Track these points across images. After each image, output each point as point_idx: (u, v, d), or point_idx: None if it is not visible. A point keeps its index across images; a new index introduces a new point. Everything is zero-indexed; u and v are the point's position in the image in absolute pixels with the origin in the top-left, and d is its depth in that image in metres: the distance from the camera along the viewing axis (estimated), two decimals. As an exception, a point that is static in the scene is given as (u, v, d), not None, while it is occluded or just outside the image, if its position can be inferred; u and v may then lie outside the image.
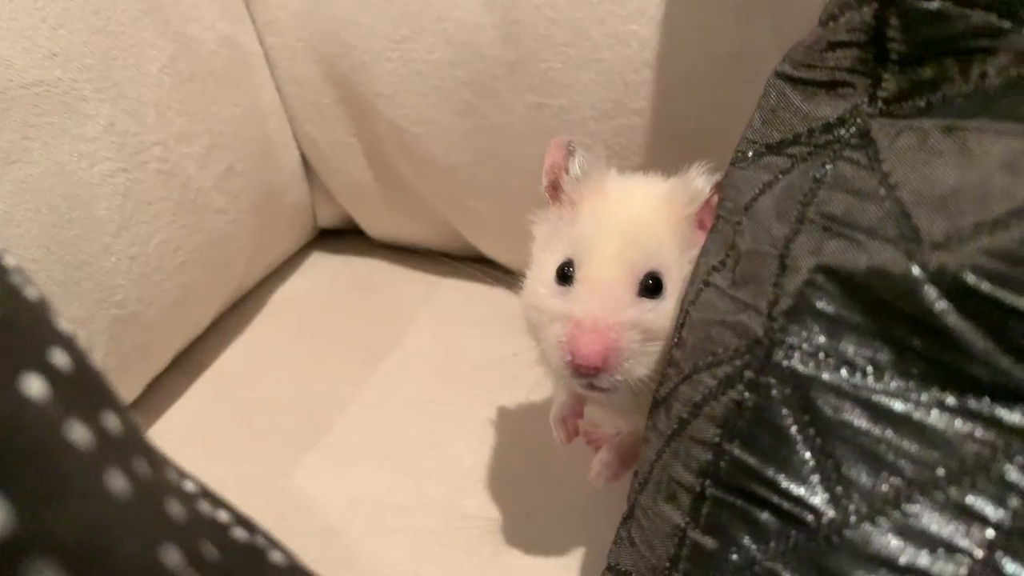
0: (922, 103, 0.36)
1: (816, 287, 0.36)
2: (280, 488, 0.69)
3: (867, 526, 0.33)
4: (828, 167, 0.38)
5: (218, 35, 0.79)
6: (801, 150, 0.41)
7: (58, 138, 0.61)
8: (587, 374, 0.47)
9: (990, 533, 0.31)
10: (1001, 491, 0.31)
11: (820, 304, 0.36)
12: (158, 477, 0.24)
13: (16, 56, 0.59)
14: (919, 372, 0.33)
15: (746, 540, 0.37)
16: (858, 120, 0.39)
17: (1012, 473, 0.31)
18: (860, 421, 0.34)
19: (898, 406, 0.33)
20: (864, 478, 0.34)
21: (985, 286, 0.30)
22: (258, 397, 0.80)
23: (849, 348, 0.35)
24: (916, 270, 0.32)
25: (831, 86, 0.41)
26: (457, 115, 0.83)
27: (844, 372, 0.35)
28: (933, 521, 0.32)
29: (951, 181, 0.33)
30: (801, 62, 0.42)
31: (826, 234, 0.36)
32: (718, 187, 0.49)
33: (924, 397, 0.33)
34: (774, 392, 0.36)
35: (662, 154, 0.78)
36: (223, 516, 0.28)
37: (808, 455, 0.35)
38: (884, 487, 0.33)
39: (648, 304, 0.49)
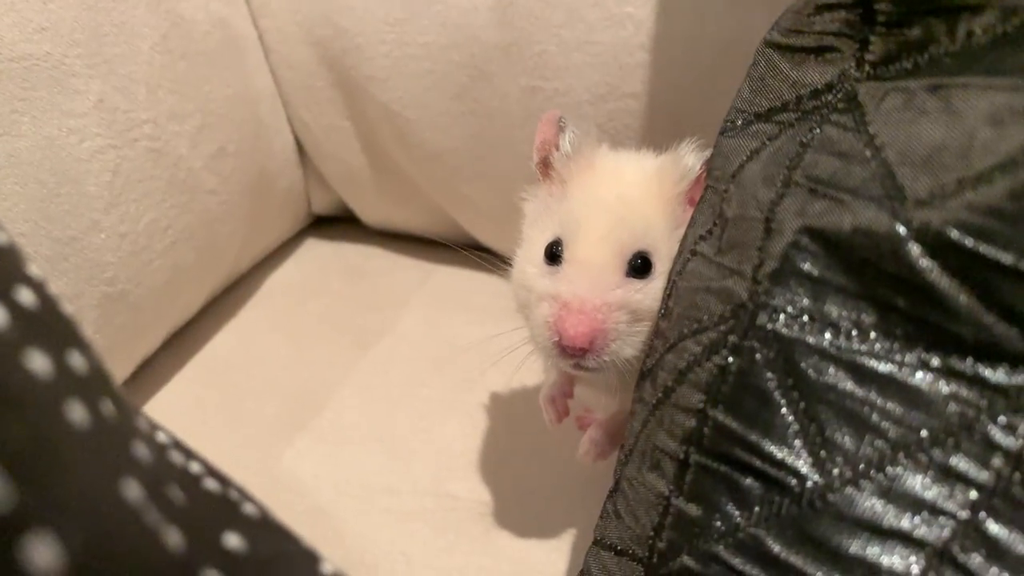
0: (909, 64, 0.36)
1: (801, 248, 0.35)
2: (269, 470, 0.68)
3: (850, 490, 0.33)
4: (815, 131, 0.38)
5: (211, 15, 0.79)
6: (789, 116, 0.41)
7: (47, 112, 0.61)
8: (574, 355, 0.47)
9: (973, 494, 0.31)
10: (984, 451, 0.31)
11: (804, 266, 0.35)
12: (124, 420, 0.24)
13: (5, 29, 0.58)
14: (903, 333, 0.33)
15: (729, 507, 0.36)
16: (845, 85, 0.38)
17: (995, 433, 0.31)
18: (844, 383, 0.34)
19: (882, 367, 0.33)
20: (848, 441, 0.33)
21: (968, 242, 0.30)
22: (249, 380, 0.79)
23: (833, 310, 0.34)
24: (900, 228, 0.32)
25: (819, 51, 0.40)
26: (451, 99, 0.82)
27: (828, 334, 0.34)
28: (917, 483, 0.32)
29: (936, 139, 0.33)
30: (789, 28, 0.42)
31: (812, 196, 0.36)
32: (708, 165, 0.49)
33: (908, 358, 0.33)
34: (758, 356, 0.36)
35: (657, 138, 0.76)
36: (195, 467, 0.28)
37: (792, 419, 0.35)
38: (868, 450, 0.33)
39: (636, 284, 0.48)
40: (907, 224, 0.32)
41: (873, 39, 0.37)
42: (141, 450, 0.23)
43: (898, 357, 0.33)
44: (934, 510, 0.31)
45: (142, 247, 0.69)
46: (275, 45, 0.88)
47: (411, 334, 0.87)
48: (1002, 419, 0.31)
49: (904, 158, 0.33)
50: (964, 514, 0.31)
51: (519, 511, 0.64)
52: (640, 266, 0.49)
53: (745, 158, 0.42)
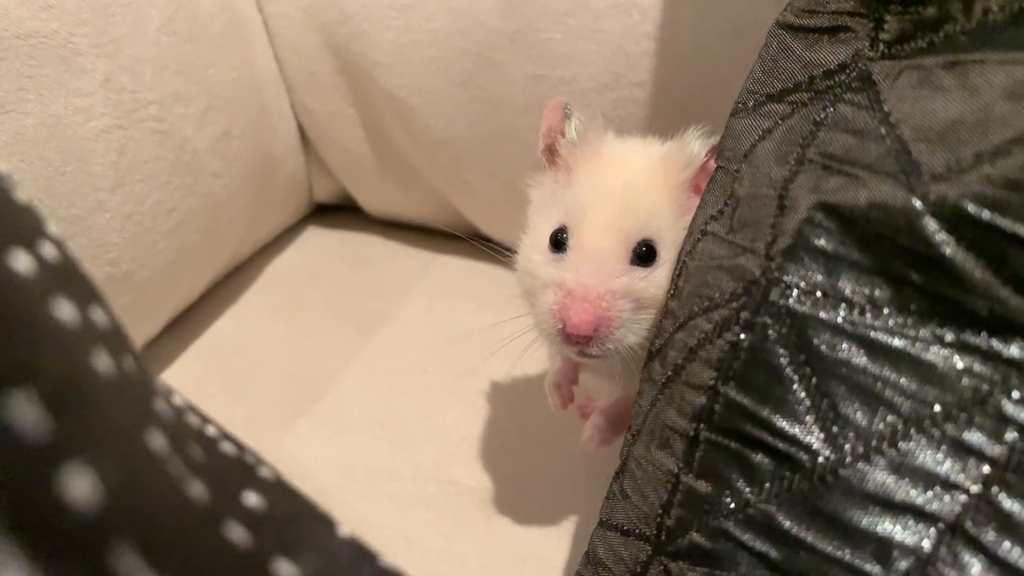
0: (923, 43, 0.36)
1: (815, 224, 0.35)
2: (271, 454, 0.67)
3: (862, 465, 0.33)
4: (829, 110, 0.38)
5: (217, -1, 0.79)
6: (802, 96, 0.41)
7: (53, 90, 0.61)
8: (578, 342, 0.47)
9: (986, 468, 0.31)
10: (998, 425, 0.31)
11: (818, 241, 0.35)
12: (144, 377, 0.24)
13: (12, 6, 0.58)
14: (917, 308, 0.33)
15: (740, 483, 0.36)
16: (859, 65, 0.39)
17: (1009, 407, 0.31)
18: (857, 359, 0.34)
19: (896, 342, 0.33)
20: (860, 416, 0.33)
21: (985, 214, 0.30)
22: (251, 365, 0.79)
23: (847, 285, 0.35)
24: (916, 202, 0.32)
25: (833, 31, 0.40)
26: (456, 86, 0.82)
27: (841, 309, 0.34)
28: (929, 458, 0.32)
29: (952, 114, 0.33)
30: (803, 8, 0.42)
31: (826, 172, 0.36)
32: (713, 152, 0.49)
33: (922, 332, 0.33)
34: (770, 332, 0.36)
35: (662, 127, 0.76)
36: (211, 430, 0.28)
37: (804, 394, 0.35)
38: (880, 425, 0.33)
39: (641, 272, 0.48)
40: (923, 198, 0.32)
41: (888, 18, 0.37)
42: (162, 406, 0.23)
43: (912, 332, 0.33)
44: (946, 484, 0.31)
45: (147, 228, 0.69)
46: (280, 30, 0.88)
47: (413, 321, 0.86)
48: (1016, 393, 0.31)
49: (919, 134, 0.34)
50: (977, 488, 0.31)
51: (521, 497, 0.64)
52: (645, 254, 0.49)
53: (757, 138, 0.42)
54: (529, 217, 0.57)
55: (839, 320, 0.34)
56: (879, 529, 0.32)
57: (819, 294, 0.35)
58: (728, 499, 0.36)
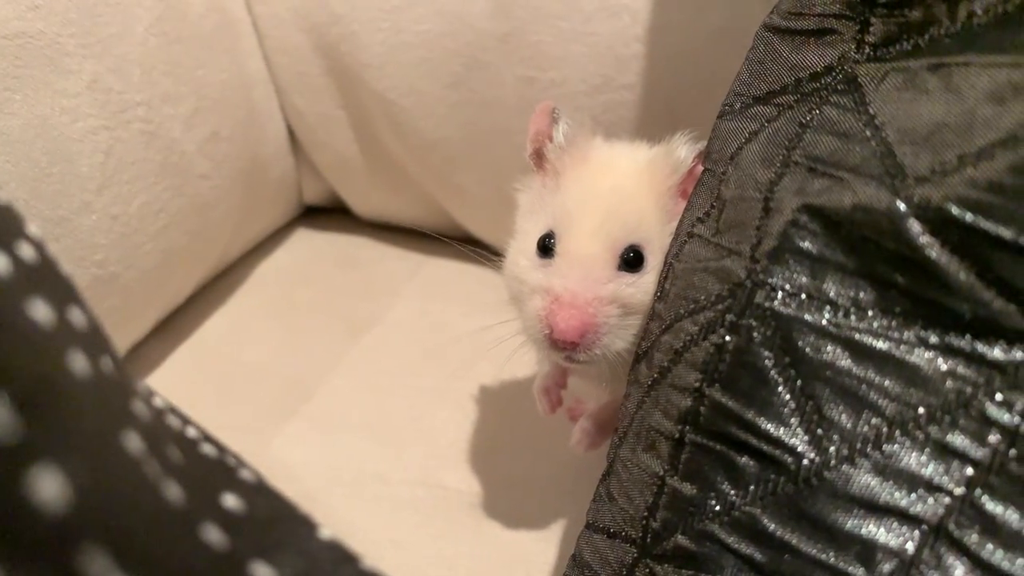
0: (909, 45, 0.36)
1: (800, 227, 0.35)
2: (259, 456, 0.67)
3: (847, 467, 0.33)
4: (815, 112, 0.38)
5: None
6: (788, 99, 0.41)
7: (40, 91, 0.60)
8: (565, 348, 0.47)
9: (970, 471, 0.31)
10: (981, 428, 0.31)
11: (803, 244, 0.35)
12: (123, 378, 0.24)
13: (-2, 6, 0.58)
14: (902, 310, 0.33)
15: (725, 485, 0.36)
16: (845, 67, 0.39)
17: (992, 409, 0.31)
18: (841, 361, 0.34)
19: (880, 345, 0.33)
20: (844, 419, 0.33)
21: (968, 217, 0.30)
22: (239, 366, 0.79)
23: (831, 287, 0.35)
24: (900, 204, 0.32)
25: (819, 34, 0.40)
26: (446, 88, 0.82)
27: (826, 312, 0.34)
28: (913, 460, 0.32)
29: (936, 116, 0.33)
30: (790, 11, 0.42)
31: (811, 175, 0.36)
32: (700, 157, 0.49)
33: (907, 335, 0.33)
34: (755, 334, 0.36)
35: (652, 129, 0.76)
36: (191, 432, 0.27)
37: (788, 397, 0.35)
38: (864, 427, 0.33)
39: (628, 278, 0.48)
40: (907, 201, 0.32)
41: (874, 21, 0.37)
42: (140, 407, 0.23)
43: (896, 334, 0.33)
44: (930, 487, 0.31)
45: (133, 229, 0.69)
46: (270, 30, 0.87)
47: (402, 324, 0.86)
48: (999, 396, 0.31)
49: (904, 136, 0.34)
50: (960, 491, 0.31)
51: (509, 500, 0.64)
52: (632, 259, 0.49)
53: (743, 140, 0.42)
54: (517, 222, 0.57)
55: (824, 322, 0.34)
56: (863, 531, 0.32)
57: (804, 296, 0.35)
58: (713, 501, 0.36)
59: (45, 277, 0.23)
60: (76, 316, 0.23)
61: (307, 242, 1.03)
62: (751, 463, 0.36)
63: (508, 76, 0.79)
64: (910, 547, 0.31)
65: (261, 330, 0.85)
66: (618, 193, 0.50)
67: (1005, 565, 0.29)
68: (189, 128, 0.74)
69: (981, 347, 0.31)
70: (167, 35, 0.72)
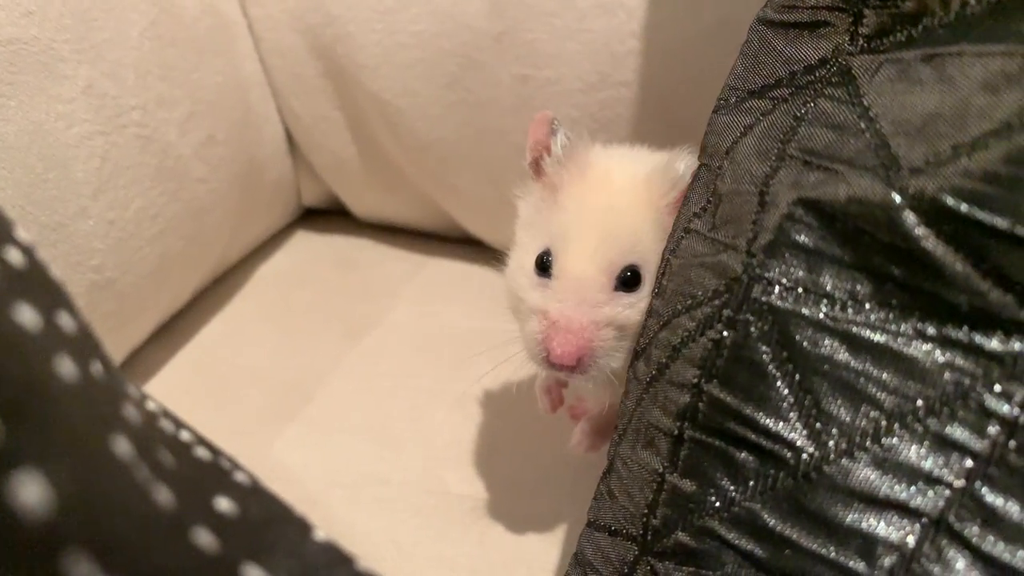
0: (903, 36, 0.36)
1: (795, 220, 0.35)
2: (259, 459, 0.68)
3: (846, 461, 0.33)
4: (809, 105, 0.38)
5: (201, 2, 0.78)
6: (783, 92, 0.41)
7: (34, 97, 0.60)
8: (562, 370, 0.48)
9: (969, 463, 0.31)
10: (980, 420, 0.31)
11: (799, 237, 0.35)
12: (113, 382, 0.24)
13: (-9, 12, 0.58)
14: (899, 302, 0.33)
15: (724, 481, 0.36)
16: (839, 59, 0.38)
17: (991, 401, 0.31)
18: (839, 354, 0.34)
19: (878, 337, 0.33)
20: (843, 412, 0.33)
21: (964, 207, 0.30)
22: (238, 369, 0.79)
23: (828, 281, 0.34)
24: (895, 196, 0.32)
25: (813, 26, 0.40)
26: (441, 88, 0.82)
27: (823, 305, 0.34)
28: (912, 453, 0.32)
29: (930, 107, 0.32)
30: (783, 4, 0.42)
31: (806, 168, 0.36)
32: (701, 146, 0.48)
33: (904, 327, 0.33)
34: (752, 329, 0.36)
35: (649, 126, 0.77)
36: (185, 436, 0.27)
37: (786, 391, 0.34)
38: (863, 421, 0.33)
39: (625, 299, 0.48)
40: (902, 192, 0.32)
41: (867, 12, 0.37)
42: (131, 411, 0.23)
43: (893, 327, 0.33)
44: (930, 479, 0.31)
45: (130, 234, 0.68)
46: (265, 32, 0.87)
47: (402, 325, 0.86)
48: (997, 387, 0.31)
49: (898, 128, 0.33)
50: (960, 483, 0.31)
51: (510, 501, 0.64)
52: (629, 279, 0.48)
53: (739, 134, 0.41)
54: (516, 232, 0.56)
55: (821, 316, 0.34)
56: (863, 526, 0.32)
57: (801, 290, 0.35)
58: (713, 498, 0.36)
59: (33, 282, 0.23)
60: (65, 320, 0.22)
61: (306, 244, 1.03)
62: (750, 458, 0.35)
63: (504, 75, 0.79)
64: (911, 540, 0.31)
65: (260, 333, 0.85)
66: (615, 212, 0.50)
67: (1006, 557, 0.29)
68: (184, 132, 0.74)
69: (979, 338, 0.31)
70: (161, 39, 0.72)
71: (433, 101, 0.83)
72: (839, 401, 0.33)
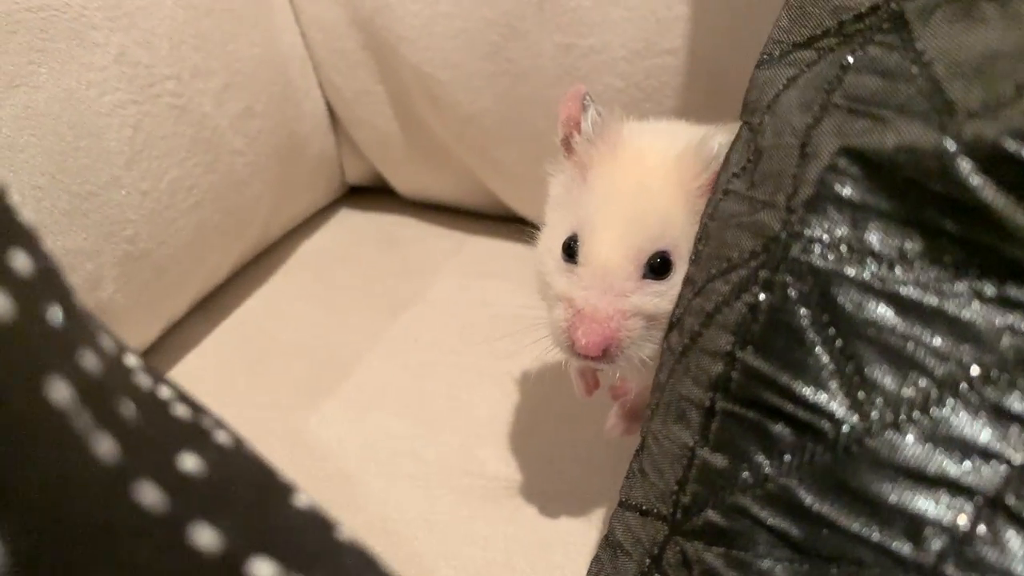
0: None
1: (839, 172, 0.32)
2: (295, 433, 0.67)
3: (891, 434, 0.30)
4: (857, 53, 0.35)
5: (237, -29, 0.77)
6: (830, 42, 0.38)
7: (66, 64, 0.60)
8: (587, 359, 0.47)
9: (1031, 436, 0.28)
10: (1043, 389, 0.28)
11: (843, 191, 0.32)
12: (73, 328, 0.22)
13: (22, -22, 0.57)
14: (952, 260, 0.30)
15: (758, 456, 0.33)
16: (891, 5, 0.35)
17: (1057, 368, 0.27)
18: (885, 318, 0.31)
19: (929, 299, 0.30)
20: (889, 381, 0.30)
21: (1026, 151, 0.27)
22: (277, 344, 0.79)
23: (874, 237, 0.31)
24: (949, 143, 0.29)
25: (863, -31, 0.37)
26: (483, 59, 0.80)
27: (869, 264, 0.31)
28: (966, 425, 0.29)
29: (991, 45, 0.29)
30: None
31: (851, 116, 0.33)
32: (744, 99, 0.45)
33: (958, 287, 0.30)
34: (791, 291, 0.33)
35: (697, 95, 0.74)
36: (164, 392, 0.26)
37: (827, 358, 0.32)
38: (911, 390, 0.30)
39: (654, 286, 0.46)
40: (957, 138, 0.29)
41: (923, -53, 0.34)
42: (89, 360, 0.21)
43: (947, 287, 0.30)
44: (986, 454, 0.28)
45: (165, 206, 0.68)
46: (305, 5, 0.86)
47: (442, 301, 0.85)
48: (1064, 352, 0.27)
49: (954, 70, 0.30)
50: (1020, 458, 0.28)
51: (547, 480, 0.62)
52: (659, 266, 0.46)
53: (782, 87, 0.39)
54: (546, 213, 0.55)
55: (866, 276, 0.31)
56: (910, 504, 0.29)
57: (844, 248, 0.32)
58: (746, 473, 0.34)
59: None
60: (18, 261, 0.21)
61: (350, 222, 1.02)
62: (786, 431, 0.33)
63: (547, 44, 0.77)
64: (963, 521, 0.28)
65: (300, 310, 0.84)
66: (644, 195, 0.47)
67: (1070, 540, 0.26)
68: (221, 103, 0.73)
69: (1044, 298, 0.28)
70: (197, 8, 0.71)
71: (474, 72, 0.81)
72: (885, 368, 0.30)
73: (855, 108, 0.33)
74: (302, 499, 0.23)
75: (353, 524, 0.61)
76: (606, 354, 0.46)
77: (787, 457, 0.32)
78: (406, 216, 1.02)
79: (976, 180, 0.28)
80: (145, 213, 0.66)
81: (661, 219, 0.47)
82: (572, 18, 0.75)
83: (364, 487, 0.62)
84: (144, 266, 0.67)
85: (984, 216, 0.28)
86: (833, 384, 0.31)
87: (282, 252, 0.94)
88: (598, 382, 0.59)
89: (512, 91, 0.81)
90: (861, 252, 0.32)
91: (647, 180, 0.48)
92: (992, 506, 0.28)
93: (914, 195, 0.30)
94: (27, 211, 0.55)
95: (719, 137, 0.47)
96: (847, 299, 0.31)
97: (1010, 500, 0.27)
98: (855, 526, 0.30)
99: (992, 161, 0.28)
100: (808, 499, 0.31)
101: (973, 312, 0.29)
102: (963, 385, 0.29)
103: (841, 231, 0.32)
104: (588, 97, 0.51)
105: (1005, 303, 0.29)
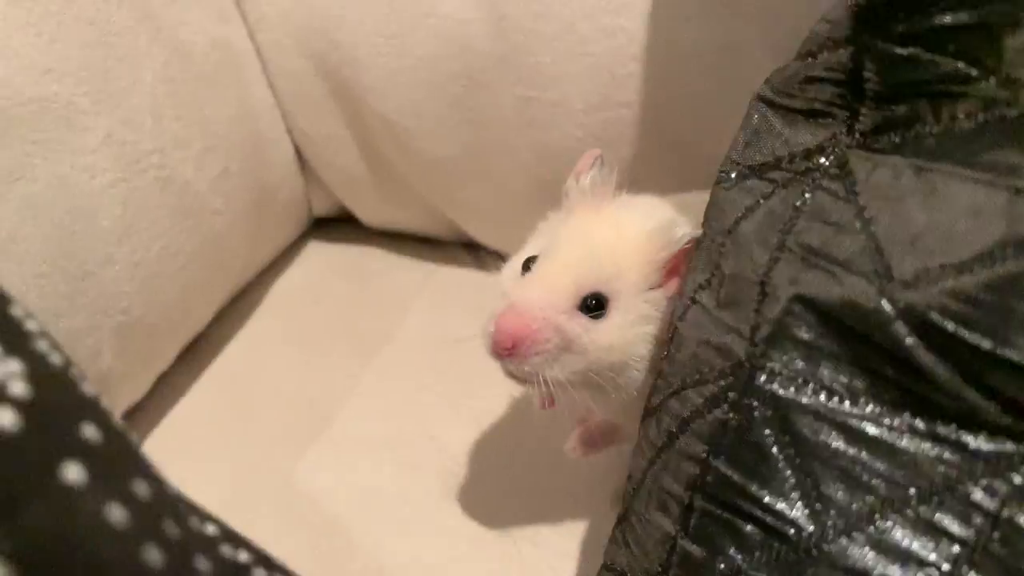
0: (897, 138, 0.38)
1: (794, 316, 0.38)
2: (285, 483, 0.71)
3: (844, 540, 0.36)
4: (807, 196, 0.40)
5: (209, 37, 0.80)
6: (782, 175, 0.43)
7: (58, 152, 0.62)
8: (499, 352, 0.50)
9: (956, 549, 0.34)
10: (967, 510, 0.34)
11: (798, 332, 0.38)
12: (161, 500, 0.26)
13: (13, 74, 0.59)
14: (891, 399, 0.35)
15: (732, 550, 0.39)
16: (837, 149, 0.41)
17: (977, 494, 0.33)
18: (837, 443, 0.36)
19: (872, 429, 0.36)
20: (841, 495, 0.36)
21: (950, 325, 0.33)
22: (260, 391, 0.82)
23: (826, 374, 0.37)
24: (887, 306, 0.34)
25: (810, 114, 0.42)
26: (447, 108, 0.83)
27: (822, 396, 0.37)
28: (904, 536, 0.35)
29: (921, 221, 0.35)
30: (781, 90, 0.44)
31: (804, 264, 0.38)
32: (694, 242, 0.50)
33: (896, 422, 0.35)
34: (756, 413, 0.39)
35: (650, 144, 0.79)
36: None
37: (789, 473, 0.37)
38: (859, 504, 0.36)
39: (583, 321, 0.51)
40: (893, 303, 0.34)
41: (863, 111, 0.39)
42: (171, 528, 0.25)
43: (887, 421, 0.36)
44: (920, 562, 0.34)
45: (154, 273, 0.71)
46: (273, 57, 0.88)
47: (413, 339, 0.89)
48: (983, 481, 0.33)
49: (892, 235, 0.36)
50: (947, 567, 0.34)
51: (529, 516, 0.67)
52: (593, 306, 0.51)
53: (740, 214, 0.44)
54: (527, 240, 0.60)
55: (819, 406, 0.37)
56: (861, 601, 0.35)
57: (801, 381, 0.38)
58: (722, 564, 0.39)
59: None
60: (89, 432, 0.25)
61: (319, 256, 1.05)
62: (756, 531, 0.38)
63: (507, 96, 0.81)
64: (902, 618, 0.34)
65: (279, 353, 0.87)
66: (607, 245, 0.52)
67: (989, 641, 0.32)
68: (200, 168, 0.76)
69: (965, 437, 0.34)
70: (174, 80, 0.74)
71: (439, 121, 0.84)
72: (837, 485, 0.36)
73: (807, 258, 0.38)
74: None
75: (349, 572, 0.65)
76: (515, 348, 0.49)
77: (757, 553, 0.38)
78: (373, 247, 1.05)
79: (910, 341, 0.34)
80: (137, 284, 0.69)
81: (613, 269, 0.51)
82: (532, 72, 0.79)
83: (355, 534, 0.66)
84: (137, 331, 0.70)
85: (916, 370, 0.34)
86: (794, 495, 0.37)
87: (257, 293, 0.97)
88: (552, 399, 0.62)
89: (476, 139, 0.84)
90: (816, 386, 0.37)
91: (615, 237, 0.53)
92: (927, 607, 0.34)
93: (859, 343, 0.36)
94: (31, 299, 0.58)
95: (683, 226, 0.52)
96: (804, 425, 0.37)
97: (940, 602, 0.34)
98: (815, 618, 0.36)
99: (922, 327, 0.34)
100: (776, 592, 0.37)
101: (909, 443, 0.35)
102: (901, 503, 0.35)
103: (798, 365, 0.38)
104: (599, 159, 0.56)
105: (935, 438, 0.35)
